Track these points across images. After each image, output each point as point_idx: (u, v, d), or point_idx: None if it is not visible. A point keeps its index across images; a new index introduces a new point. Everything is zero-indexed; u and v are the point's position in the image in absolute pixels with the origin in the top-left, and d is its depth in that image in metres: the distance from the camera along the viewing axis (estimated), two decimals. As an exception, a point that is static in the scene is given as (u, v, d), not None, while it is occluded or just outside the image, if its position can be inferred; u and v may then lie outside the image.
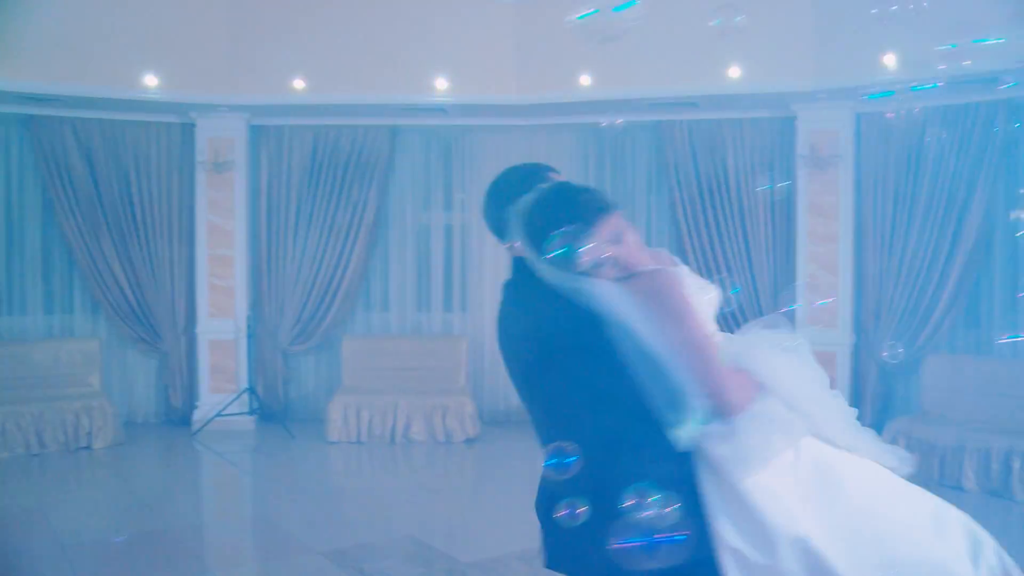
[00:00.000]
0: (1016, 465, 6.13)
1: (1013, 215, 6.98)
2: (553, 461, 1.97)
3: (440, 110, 8.15)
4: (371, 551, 5.18)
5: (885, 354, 7.02)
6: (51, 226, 8.18)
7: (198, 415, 8.26)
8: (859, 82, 6.83)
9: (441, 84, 7.76)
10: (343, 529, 5.66)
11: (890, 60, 6.64)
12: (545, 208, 1.99)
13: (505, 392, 8.21)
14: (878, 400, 7.55)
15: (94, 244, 8.10)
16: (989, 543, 1.94)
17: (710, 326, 2.08)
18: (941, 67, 6.35)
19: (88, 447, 7.47)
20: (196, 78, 7.72)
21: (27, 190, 8.15)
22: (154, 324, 8.37)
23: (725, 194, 7.97)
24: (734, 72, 7.14)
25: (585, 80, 7.58)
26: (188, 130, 8.27)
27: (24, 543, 5.29)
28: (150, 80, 7.52)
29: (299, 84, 7.75)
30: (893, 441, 6.63)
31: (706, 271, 8.04)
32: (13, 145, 8.07)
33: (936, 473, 6.46)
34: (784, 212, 7.88)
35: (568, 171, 8.42)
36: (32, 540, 5.33)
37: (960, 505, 2.05)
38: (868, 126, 7.50)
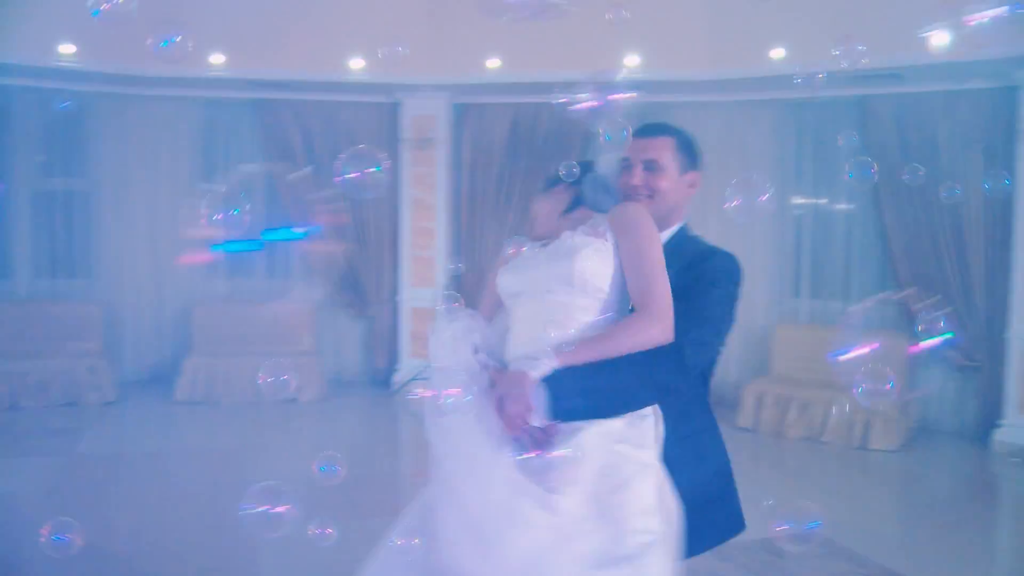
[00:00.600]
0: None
1: None
2: None
3: (633, 87, 8.05)
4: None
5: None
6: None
7: (398, 377, 8.84)
8: None
9: (632, 60, 7.70)
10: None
11: None
12: None
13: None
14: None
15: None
16: None
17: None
18: None
19: (295, 400, 8.24)
20: (399, 60, 8.15)
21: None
22: (362, 291, 9.03)
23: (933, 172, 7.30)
24: (940, 38, 6.50)
25: (778, 53, 7.23)
26: (393, 109, 8.80)
27: (246, 477, 5.85)
28: (356, 63, 8.06)
29: (493, 63, 7.99)
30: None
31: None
32: (244, 128, 8.98)
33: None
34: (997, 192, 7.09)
35: (764, 149, 8.17)
36: (253, 474, 5.91)
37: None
38: None
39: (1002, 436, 7.02)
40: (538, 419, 1.99)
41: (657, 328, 2.05)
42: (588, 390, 2.03)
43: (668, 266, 2.14)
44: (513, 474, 1.97)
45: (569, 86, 7.82)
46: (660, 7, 7.62)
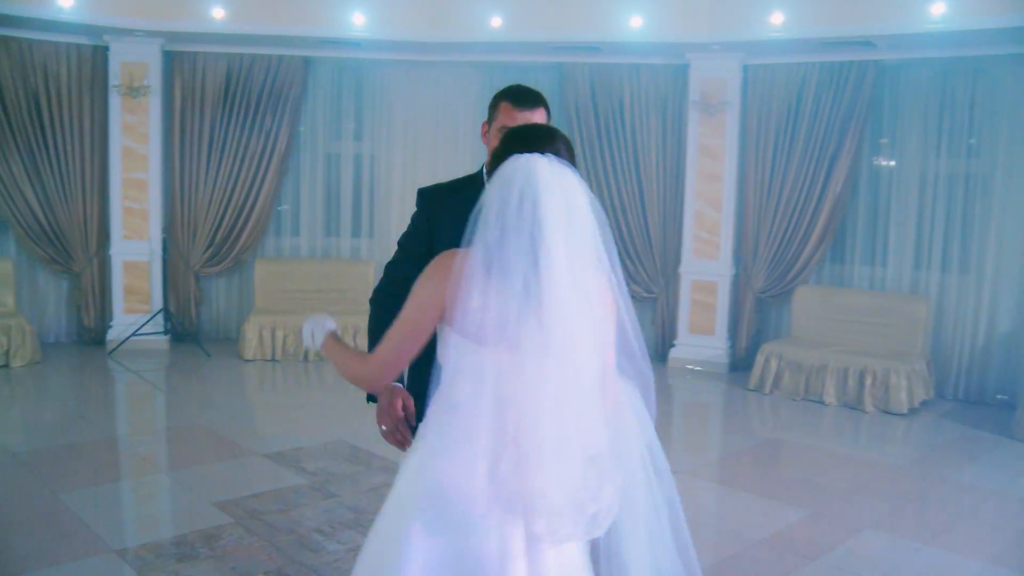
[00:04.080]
0: (868, 382, 7.10)
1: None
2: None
3: (355, 44, 8.41)
4: (308, 453, 5.69)
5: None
6: (-42, 145, 8.11)
7: (112, 335, 8.45)
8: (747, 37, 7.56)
9: (358, 19, 8.03)
10: (274, 436, 6.12)
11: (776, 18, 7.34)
12: None
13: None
14: (753, 326, 8.44)
15: (2, 165, 8.08)
16: None
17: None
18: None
19: (6, 365, 7.60)
20: (111, 1, 7.74)
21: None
22: (66, 245, 8.45)
23: (621, 134, 8.60)
24: (636, 21, 7.70)
25: (496, 22, 8.00)
26: (101, 53, 8.28)
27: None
28: (64, 0, 7.49)
29: (217, 12, 7.87)
30: (766, 362, 7.55)
31: (601, 205, 8.69)
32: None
33: (802, 389, 7.39)
34: (675, 153, 8.57)
35: (471, 109, 8.95)
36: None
37: (821, 417, 2.58)
38: (754, 76, 8.22)
39: (675, 353, 8.59)
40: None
41: (365, 371, 2.09)
42: None
43: None
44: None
45: (288, 40, 8.18)
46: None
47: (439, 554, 1.86)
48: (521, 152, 1.89)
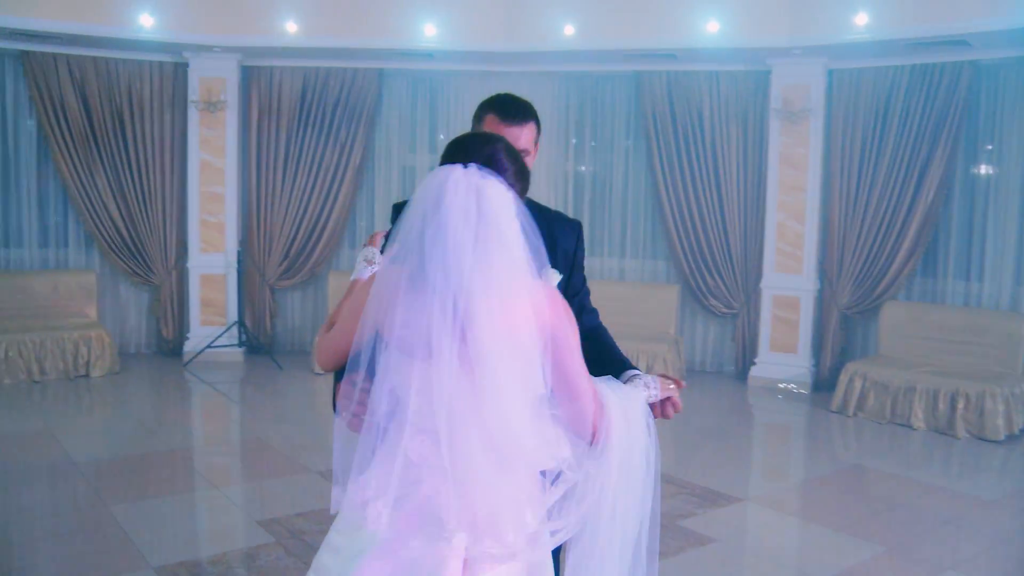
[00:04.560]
0: (960, 405, 6.61)
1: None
2: None
3: (428, 56, 8.36)
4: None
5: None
6: (46, 161, 8.38)
7: (188, 346, 8.59)
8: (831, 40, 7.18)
9: (430, 30, 7.97)
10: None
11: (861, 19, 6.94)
12: None
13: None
14: (838, 344, 7.99)
15: (88, 180, 8.31)
16: None
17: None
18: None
19: (86, 375, 7.79)
20: (189, 18, 7.88)
21: (21, 125, 8.32)
22: (146, 258, 8.63)
23: (700, 143, 8.29)
24: (712, 26, 7.41)
25: (569, 30, 7.82)
26: (181, 69, 8.45)
27: (38, 460, 5.68)
28: (145, 20, 7.66)
29: (291, 27, 7.93)
30: (850, 383, 7.13)
31: (680, 216, 8.42)
32: (8, 80, 8.21)
33: (888, 412, 6.94)
34: (756, 163, 8.21)
35: (547, 120, 8.78)
36: (45, 458, 5.70)
37: (908, 442, 2.37)
38: (839, 81, 7.81)
39: (756, 372, 8.20)
40: None
41: (319, 344, 2.12)
42: None
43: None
44: None
45: (362, 53, 8.07)
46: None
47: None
48: (450, 163, 1.86)
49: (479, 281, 1.76)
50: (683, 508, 5.04)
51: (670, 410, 2.23)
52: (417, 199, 1.82)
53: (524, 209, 1.83)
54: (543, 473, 1.92)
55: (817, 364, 8.07)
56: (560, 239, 2.43)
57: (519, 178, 1.97)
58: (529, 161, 2.31)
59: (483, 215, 1.78)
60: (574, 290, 2.47)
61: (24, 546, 4.36)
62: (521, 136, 2.31)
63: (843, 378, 7.25)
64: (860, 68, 7.64)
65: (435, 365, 1.77)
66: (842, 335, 8.02)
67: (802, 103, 7.77)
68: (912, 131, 7.41)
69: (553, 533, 1.90)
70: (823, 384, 7.90)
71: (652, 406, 2.19)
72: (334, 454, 1.94)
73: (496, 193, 1.81)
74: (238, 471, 5.85)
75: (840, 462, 6.33)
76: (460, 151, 1.90)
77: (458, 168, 1.82)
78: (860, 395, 7.13)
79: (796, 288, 8.00)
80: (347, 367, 1.90)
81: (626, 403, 2.07)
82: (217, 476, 5.67)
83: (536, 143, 2.40)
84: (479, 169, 1.83)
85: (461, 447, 1.79)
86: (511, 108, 2.34)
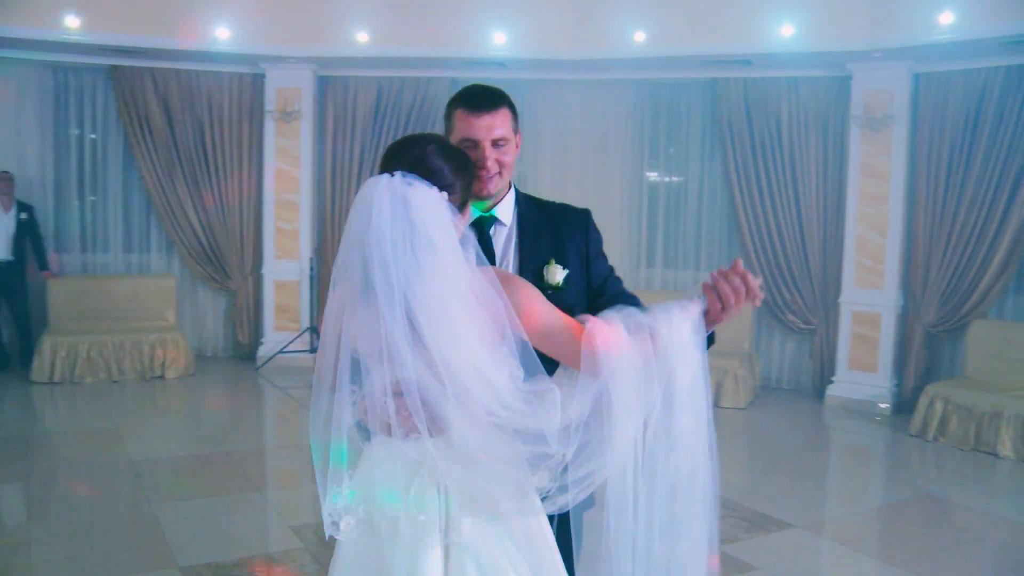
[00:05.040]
0: (1053, 433, 6.12)
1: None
2: None
3: (499, 64, 8.32)
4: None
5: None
6: (131, 170, 8.73)
7: (262, 351, 8.77)
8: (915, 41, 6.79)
9: (500, 38, 7.93)
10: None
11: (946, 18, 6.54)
12: None
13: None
14: (922, 363, 7.53)
15: (169, 188, 8.60)
16: None
17: None
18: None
19: (161, 376, 8.04)
20: (266, 31, 8.07)
21: (110, 136, 8.70)
22: (223, 264, 8.87)
23: (777, 152, 7.99)
24: (787, 30, 7.12)
25: (640, 37, 7.65)
26: (258, 80, 8.66)
27: (98, 457, 5.87)
28: (222, 33, 7.89)
29: (362, 37, 8.02)
30: (930, 405, 6.70)
31: (756, 228, 8.12)
32: (99, 93, 8.60)
33: (971, 438, 6.48)
34: (836, 173, 7.85)
35: (622, 128, 8.63)
36: (105, 455, 5.89)
37: (992, 472, 2.15)
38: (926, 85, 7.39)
39: (834, 391, 7.81)
40: None
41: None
42: None
43: (537, 227, 2.30)
44: None
45: (434, 62, 8.05)
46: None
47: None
48: (381, 172, 1.87)
49: (420, 287, 1.78)
50: (727, 532, 4.80)
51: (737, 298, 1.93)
52: (352, 215, 1.84)
53: (451, 211, 1.84)
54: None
55: (899, 384, 7.62)
56: (567, 237, 2.32)
57: (459, 172, 1.94)
58: (511, 151, 2.23)
59: (412, 223, 1.79)
60: (599, 279, 2.34)
61: (61, 537, 4.52)
62: (494, 125, 2.17)
63: (923, 400, 6.82)
64: (948, 71, 7.20)
65: (399, 371, 1.80)
66: (926, 354, 7.55)
67: (884, 109, 7.38)
68: (1006, 137, 6.93)
69: (552, 494, 1.88)
70: (905, 406, 7.44)
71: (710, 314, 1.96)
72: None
73: (421, 199, 1.81)
74: (286, 476, 5.89)
75: (910, 490, 5.93)
76: (388, 159, 1.90)
77: (384, 179, 1.82)
78: (941, 419, 6.69)
79: (877, 304, 7.58)
80: (340, 386, 1.90)
81: (641, 319, 1.90)
82: (264, 480, 5.74)
83: (516, 131, 2.27)
84: (404, 176, 1.82)
85: (446, 446, 1.85)
86: (476, 97, 2.20)
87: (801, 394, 8.24)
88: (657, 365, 1.88)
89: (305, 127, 8.67)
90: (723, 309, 1.94)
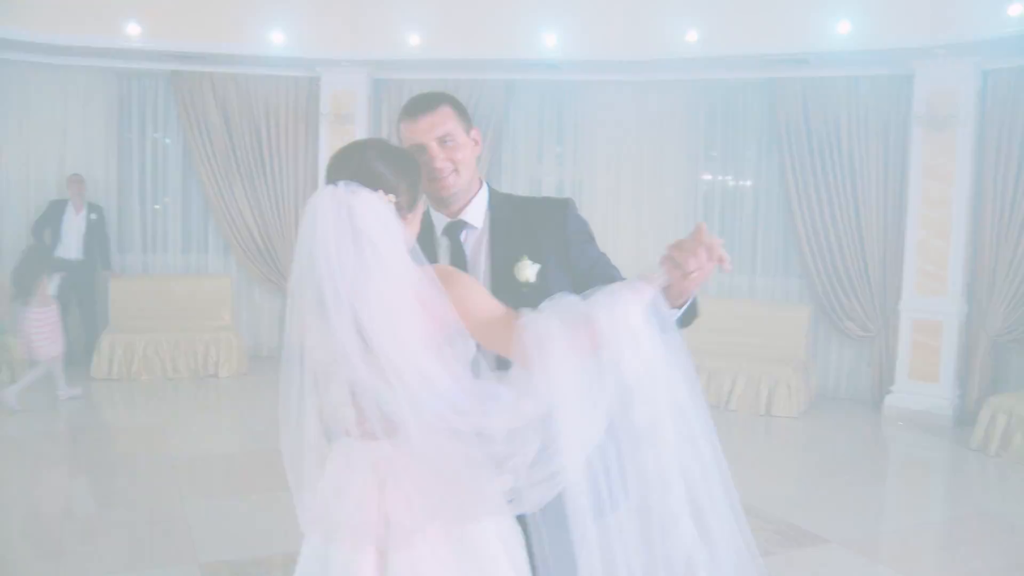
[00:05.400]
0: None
1: None
2: None
3: (553, 66, 8.26)
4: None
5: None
6: (190, 173, 8.96)
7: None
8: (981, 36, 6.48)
9: (551, 40, 7.86)
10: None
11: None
12: None
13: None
14: (988, 374, 7.17)
15: (227, 189, 8.78)
16: None
17: None
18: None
19: (215, 375, 8.20)
20: (320, 35, 8.18)
21: (170, 138, 8.95)
22: (279, 264, 9.00)
23: (836, 154, 7.72)
24: (844, 27, 6.87)
25: (692, 36, 7.49)
26: (313, 83, 8.77)
27: (139, 453, 6.02)
28: (277, 37, 8.02)
29: (414, 39, 8.05)
30: (992, 418, 6.38)
31: (813, 232, 7.87)
32: (160, 98, 8.86)
33: (1037, 456, 6.15)
34: (897, 175, 7.55)
35: (678, 130, 8.47)
36: (146, 451, 6.03)
37: None
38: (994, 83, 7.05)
39: (892, 401, 7.50)
40: None
41: None
42: None
43: (511, 227, 2.25)
44: None
45: (487, 64, 8.00)
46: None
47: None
48: (326, 182, 1.90)
49: (366, 294, 1.80)
50: (759, 546, 4.62)
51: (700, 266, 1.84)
52: (300, 230, 1.87)
53: (392, 216, 1.86)
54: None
55: (963, 396, 7.28)
56: (541, 230, 2.27)
57: (402, 173, 1.94)
58: (464, 148, 2.21)
59: (357, 230, 1.81)
60: (584, 266, 2.26)
61: (88, 530, 4.65)
62: (435, 124, 2.16)
63: (984, 413, 6.49)
64: (1018, 66, 6.85)
65: (353, 379, 1.85)
66: (992, 364, 7.19)
67: (948, 109, 7.06)
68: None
69: (519, 495, 1.83)
70: (968, 418, 7.09)
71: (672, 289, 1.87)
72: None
73: (365, 207, 1.83)
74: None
75: (963, 507, 5.64)
76: (331, 170, 1.92)
77: (328, 190, 1.85)
78: (1004, 433, 6.36)
79: (939, 311, 7.26)
80: (304, 396, 1.97)
81: (580, 308, 1.81)
82: (298, 479, 5.77)
83: (467, 128, 2.23)
84: (347, 185, 1.84)
85: (403, 449, 1.88)
86: (413, 103, 2.21)
87: (858, 404, 7.94)
88: (607, 355, 1.78)
89: (359, 131, 8.74)
90: (684, 277, 1.84)
